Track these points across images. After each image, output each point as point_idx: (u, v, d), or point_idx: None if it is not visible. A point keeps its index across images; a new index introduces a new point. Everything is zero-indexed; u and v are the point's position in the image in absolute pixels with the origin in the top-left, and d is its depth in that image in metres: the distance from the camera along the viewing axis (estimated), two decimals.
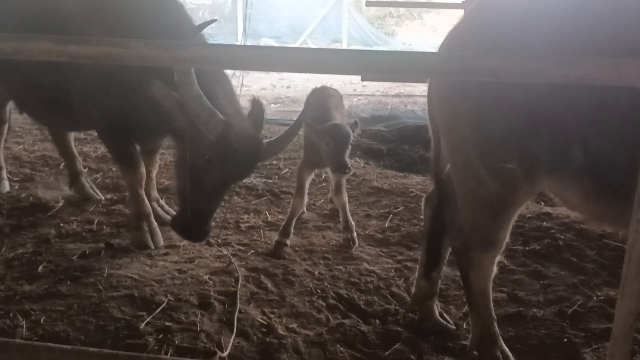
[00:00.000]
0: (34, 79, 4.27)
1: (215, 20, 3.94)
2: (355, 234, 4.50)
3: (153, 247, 4.28)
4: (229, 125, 3.50)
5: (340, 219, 4.57)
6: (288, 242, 4.40)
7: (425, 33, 24.52)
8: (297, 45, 20.63)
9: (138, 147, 4.43)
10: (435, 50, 3.01)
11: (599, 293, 3.74)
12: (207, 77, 3.63)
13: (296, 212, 4.48)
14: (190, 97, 3.43)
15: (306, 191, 4.47)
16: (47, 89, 4.31)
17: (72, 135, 5.39)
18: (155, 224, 4.41)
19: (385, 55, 1.82)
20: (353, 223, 4.55)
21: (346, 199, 4.56)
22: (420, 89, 11.26)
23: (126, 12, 4.03)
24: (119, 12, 4.04)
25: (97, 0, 4.15)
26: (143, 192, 4.42)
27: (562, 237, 4.45)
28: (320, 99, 4.60)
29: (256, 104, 3.83)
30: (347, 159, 3.85)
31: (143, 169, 4.38)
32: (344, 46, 20.86)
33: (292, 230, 4.46)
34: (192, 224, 3.75)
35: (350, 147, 3.95)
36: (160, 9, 4.07)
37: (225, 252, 4.20)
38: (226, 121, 3.50)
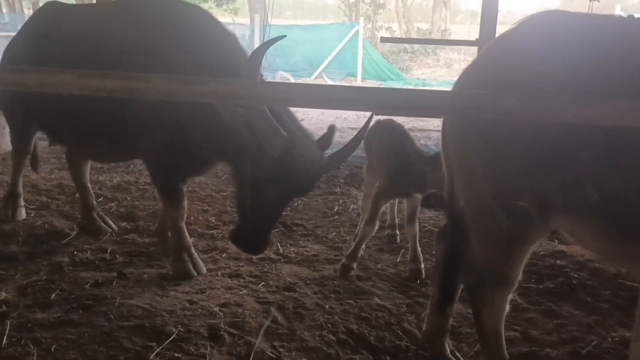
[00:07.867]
0: (79, 111, 4.23)
1: (285, 36, 4.02)
2: (422, 265, 4.48)
3: (196, 275, 4.31)
4: (292, 142, 3.57)
5: (409, 250, 4.55)
6: (354, 265, 4.49)
7: (440, 68, 24.79)
8: (312, 78, 20.95)
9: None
10: (449, 86, 3.04)
11: (613, 334, 3.68)
12: None
13: (366, 237, 4.56)
14: (257, 113, 3.47)
15: (378, 219, 4.53)
16: (96, 121, 4.27)
17: (88, 167, 5.42)
18: (195, 254, 4.45)
19: (401, 93, 1.86)
20: (421, 254, 4.53)
21: (417, 229, 4.59)
22: (434, 123, 11.29)
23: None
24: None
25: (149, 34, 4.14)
26: (184, 225, 4.45)
27: (577, 275, 4.40)
28: (388, 131, 4.71)
29: (331, 129, 4.00)
30: None
31: (185, 203, 4.42)
32: (359, 80, 21.16)
33: (359, 254, 4.56)
34: (251, 238, 3.86)
35: None
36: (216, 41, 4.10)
37: None
38: (289, 138, 3.56)
